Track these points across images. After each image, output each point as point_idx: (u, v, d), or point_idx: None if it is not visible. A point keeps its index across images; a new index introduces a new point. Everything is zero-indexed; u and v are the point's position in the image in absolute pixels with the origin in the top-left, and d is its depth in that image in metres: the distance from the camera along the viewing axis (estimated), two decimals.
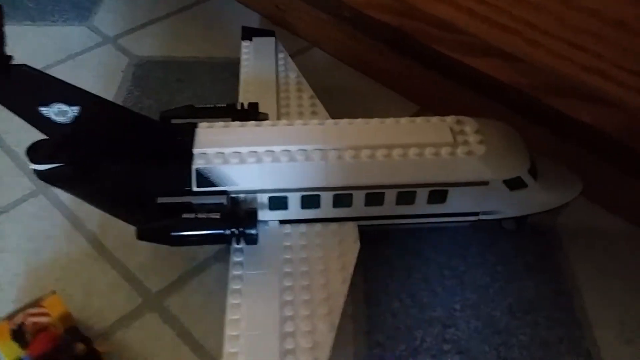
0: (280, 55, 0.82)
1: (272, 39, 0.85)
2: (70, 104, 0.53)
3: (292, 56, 0.82)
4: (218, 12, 1.03)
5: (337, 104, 0.75)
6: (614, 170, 0.68)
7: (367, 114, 0.64)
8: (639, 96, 0.58)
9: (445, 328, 0.60)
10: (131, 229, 0.56)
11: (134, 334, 0.59)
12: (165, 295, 0.62)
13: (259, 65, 0.80)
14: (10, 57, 0.51)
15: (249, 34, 0.85)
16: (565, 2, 0.58)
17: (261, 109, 0.69)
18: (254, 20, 0.99)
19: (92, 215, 0.68)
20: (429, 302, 0.62)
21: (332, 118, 0.67)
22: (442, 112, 0.80)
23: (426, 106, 0.85)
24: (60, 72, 0.77)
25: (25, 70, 0.51)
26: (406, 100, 0.86)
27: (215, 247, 0.66)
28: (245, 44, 0.84)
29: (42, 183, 0.59)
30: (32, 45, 0.92)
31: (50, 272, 0.64)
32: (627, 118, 0.60)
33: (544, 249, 0.68)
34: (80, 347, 0.53)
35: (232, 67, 0.89)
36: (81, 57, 0.93)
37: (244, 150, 0.58)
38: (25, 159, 0.57)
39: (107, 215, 0.62)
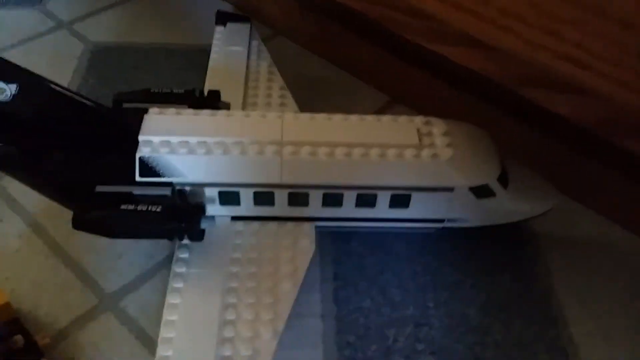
0: (254, 43, 0.79)
1: (247, 25, 0.81)
2: (7, 81, 0.50)
3: None
4: None
5: (306, 95, 0.72)
6: (592, 165, 0.65)
7: (336, 104, 0.61)
8: (620, 88, 0.54)
9: (418, 327, 0.57)
10: None
11: (90, 336, 0.56)
12: (121, 295, 0.59)
13: (230, 51, 0.76)
14: None
15: (223, 18, 0.82)
16: None
17: (226, 98, 0.65)
18: (217, 7, 0.92)
19: (44, 211, 0.65)
20: (401, 301, 0.59)
21: (302, 111, 0.64)
22: (413, 103, 0.78)
23: (396, 97, 0.81)
24: (12, 58, 0.75)
25: None
26: (376, 91, 0.82)
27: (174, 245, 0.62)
28: (218, 29, 0.80)
29: None
30: None
31: None
32: (606, 110, 0.56)
33: (516, 246, 0.65)
34: (19, 339, 0.51)
35: (192, 55, 0.86)
36: (34, 42, 0.88)
37: (193, 139, 0.54)
38: None
39: (61, 211, 0.58)
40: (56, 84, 0.53)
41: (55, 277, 0.60)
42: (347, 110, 0.59)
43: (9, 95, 0.51)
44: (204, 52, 0.77)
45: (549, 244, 0.65)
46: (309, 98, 0.71)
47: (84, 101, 0.54)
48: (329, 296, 0.59)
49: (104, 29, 0.91)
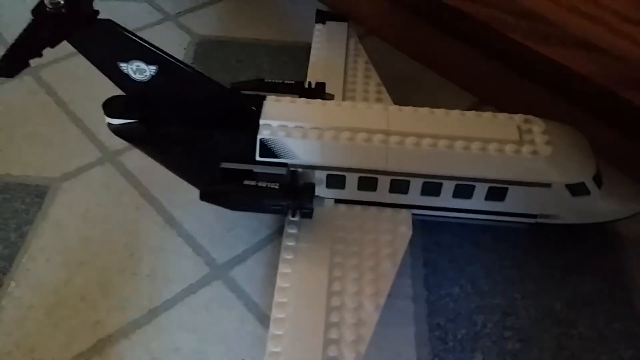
0: (351, 41, 0.83)
1: (345, 24, 0.86)
2: (148, 62, 0.56)
3: None
4: None
5: (394, 93, 0.75)
6: None
7: (424, 103, 0.63)
8: None
9: (505, 316, 0.60)
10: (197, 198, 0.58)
11: (202, 301, 0.60)
12: (230, 266, 0.64)
13: (329, 48, 0.81)
14: (97, 12, 0.53)
15: (322, 17, 0.87)
16: None
17: (328, 90, 0.70)
18: (313, 6, 0.97)
19: (159, 184, 0.70)
20: (489, 290, 0.62)
21: None
22: (500, 105, 0.79)
23: (484, 99, 0.83)
24: None
25: (110, 26, 0.54)
26: (461, 91, 0.85)
27: (278, 223, 0.67)
28: (318, 27, 0.85)
29: (109, 151, 0.60)
30: None
31: (119, 238, 0.66)
32: None
33: (601, 244, 0.66)
34: None
35: (290, 52, 0.90)
36: (142, 32, 0.92)
37: (307, 125, 0.59)
38: (96, 124, 0.59)
39: (175, 185, 0.64)
40: (191, 67, 0.58)
41: (172, 246, 0.65)
42: (434, 107, 0.62)
43: (148, 75, 0.57)
44: (303, 49, 0.82)
45: (632, 244, 0.66)
46: (396, 96, 0.74)
47: (214, 83, 0.59)
48: (419, 281, 0.63)
49: (208, 23, 0.97)
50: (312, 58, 0.79)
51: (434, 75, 0.88)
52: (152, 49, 0.56)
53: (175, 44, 0.92)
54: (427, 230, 0.66)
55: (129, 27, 0.89)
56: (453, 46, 0.83)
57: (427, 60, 0.89)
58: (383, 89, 0.75)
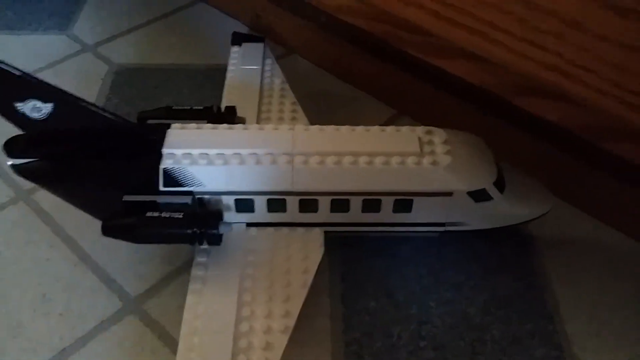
0: (268, 61, 0.83)
1: (261, 44, 0.86)
2: (44, 100, 0.55)
3: None
4: (197, 20, 1.03)
5: (316, 108, 0.76)
6: (582, 168, 0.69)
7: (345, 117, 0.64)
8: (598, 94, 0.58)
9: (421, 325, 0.61)
10: None
11: (115, 337, 0.60)
12: (144, 299, 0.63)
13: (245, 70, 0.81)
14: None
15: (238, 39, 0.87)
16: (525, 3, 0.59)
17: (242, 113, 0.70)
18: (233, 28, 0.98)
19: (73, 221, 0.69)
20: (405, 301, 0.63)
21: (312, 124, 0.68)
22: (419, 115, 0.82)
23: (403, 110, 0.85)
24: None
25: (2, 68, 0.54)
26: (383, 104, 0.87)
27: (193, 251, 0.66)
28: (234, 49, 0.85)
29: (22, 190, 0.59)
30: (12, 54, 0.92)
31: (31, 279, 0.64)
32: (588, 116, 0.61)
33: (516, 246, 0.68)
34: None
35: (210, 74, 0.90)
36: (61, 65, 0.94)
37: (212, 152, 0.59)
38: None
39: (89, 221, 0.62)
40: (87, 102, 0.58)
41: (86, 283, 0.64)
42: (355, 123, 0.63)
43: (45, 113, 0.56)
44: (221, 71, 0.82)
45: (545, 245, 0.68)
46: (319, 111, 0.75)
47: (112, 118, 0.59)
48: (337, 297, 0.63)
49: (126, 51, 0.97)
50: (227, 81, 0.79)
51: (354, 90, 0.90)
52: (46, 86, 0.55)
53: (94, 74, 0.92)
54: (346, 244, 0.67)
55: (48, 61, 0.88)
56: (369, 61, 0.85)
57: (346, 76, 0.90)
58: (298, 107, 0.75)
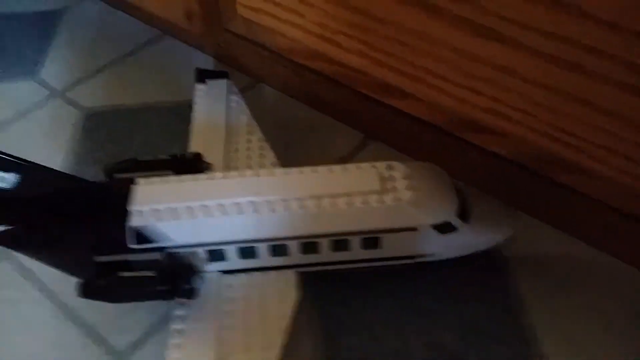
0: (233, 98, 0.82)
1: (224, 81, 0.85)
2: (5, 170, 0.56)
3: (241, 92, 0.83)
4: (164, 55, 1.03)
5: (287, 136, 0.76)
6: (542, 185, 0.70)
7: (315, 143, 0.64)
8: (529, 131, 0.63)
9: (400, 358, 0.62)
10: None
11: None
12: (131, 351, 0.64)
13: (210, 109, 0.81)
14: None
15: (202, 76, 0.86)
16: (457, 52, 0.62)
17: (209, 156, 0.70)
18: (200, 61, 0.99)
19: (57, 276, 0.67)
20: (384, 334, 0.64)
21: (282, 155, 0.69)
22: (387, 139, 0.83)
23: (371, 134, 0.86)
24: (11, 130, 0.84)
25: None
26: (353, 130, 0.87)
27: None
28: (199, 86, 0.84)
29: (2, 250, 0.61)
30: None
31: (15, 334, 0.65)
32: (533, 150, 0.65)
33: (487, 269, 0.69)
34: None
35: (181, 111, 0.89)
36: (31, 113, 0.93)
37: (178, 205, 0.59)
38: None
39: (69, 278, 0.63)
40: (48, 168, 0.59)
41: (72, 340, 0.65)
42: (326, 149, 0.64)
43: (9, 182, 0.57)
44: (190, 107, 0.81)
45: (518, 266, 0.69)
46: (290, 140, 0.75)
47: (76, 180, 0.60)
48: (318, 337, 0.64)
49: (95, 94, 0.96)
50: (193, 121, 0.79)
51: (323, 117, 0.90)
52: (6, 157, 0.56)
53: (65, 120, 0.91)
54: (326, 282, 0.67)
55: (18, 108, 0.89)
56: (331, 90, 0.85)
57: (313, 103, 0.91)
58: (266, 145, 0.75)
